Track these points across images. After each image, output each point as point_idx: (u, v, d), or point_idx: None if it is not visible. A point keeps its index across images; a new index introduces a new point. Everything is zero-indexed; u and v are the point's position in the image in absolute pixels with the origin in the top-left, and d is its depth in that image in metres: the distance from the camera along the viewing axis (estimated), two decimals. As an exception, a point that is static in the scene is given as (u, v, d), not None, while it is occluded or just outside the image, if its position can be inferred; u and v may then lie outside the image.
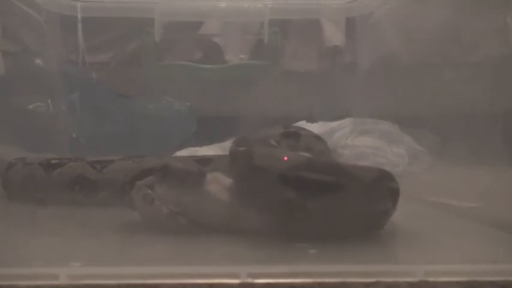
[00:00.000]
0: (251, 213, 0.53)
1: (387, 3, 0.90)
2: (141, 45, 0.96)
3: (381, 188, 0.54)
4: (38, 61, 0.94)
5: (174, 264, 0.46)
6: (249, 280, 0.42)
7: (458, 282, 0.42)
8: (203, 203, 0.55)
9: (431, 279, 0.42)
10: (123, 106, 0.98)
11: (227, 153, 0.61)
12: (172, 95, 0.99)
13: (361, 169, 0.57)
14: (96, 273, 0.43)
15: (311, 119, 0.92)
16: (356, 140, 0.90)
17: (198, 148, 0.88)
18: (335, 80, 1.00)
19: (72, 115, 0.94)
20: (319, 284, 0.41)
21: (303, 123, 0.91)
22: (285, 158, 0.55)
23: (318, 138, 0.73)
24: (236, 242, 0.53)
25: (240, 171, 0.56)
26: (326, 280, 0.42)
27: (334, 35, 1.01)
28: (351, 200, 0.52)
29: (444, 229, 0.61)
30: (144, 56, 0.95)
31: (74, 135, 0.93)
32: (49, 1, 0.90)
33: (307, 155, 0.65)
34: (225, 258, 0.50)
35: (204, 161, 0.62)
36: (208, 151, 0.84)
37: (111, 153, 0.75)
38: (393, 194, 0.54)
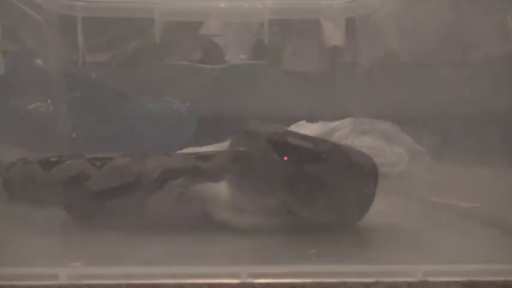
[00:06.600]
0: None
1: (387, 3, 0.90)
2: (141, 45, 0.96)
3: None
4: (38, 61, 0.94)
5: (174, 264, 0.46)
6: (249, 280, 0.42)
7: (458, 282, 0.42)
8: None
9: (431, 279, 0.42)
10: (123, 106, 0.98)
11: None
12: (172, 95, 0.99)
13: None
14: (96, 273, 0.43)
15: (311, 119, 0.92)
16: (356, 140, 0.90)
17: (198, 148, 0.88)
18: (335, 80, 1.00)
19: (72, 115, 0.94)
20: (319, 284, 0.41)
21: (303, 123, 0.91)
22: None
23: None
24: (236, 242, 0.53)
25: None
26: (326, 280, 0.42)
27: (334, 35, 1.01)
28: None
29: (444, 229, 0.61)
30: (144, 56, 0.95)
31: (74, 135, 0.93)
32: (49, 1, 0.90)
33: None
34: (225, 258, 0.50)
35: (204, 157, 0.62)
36: (208, 151, 0.84)
37: (111, 153, 0.75)
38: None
